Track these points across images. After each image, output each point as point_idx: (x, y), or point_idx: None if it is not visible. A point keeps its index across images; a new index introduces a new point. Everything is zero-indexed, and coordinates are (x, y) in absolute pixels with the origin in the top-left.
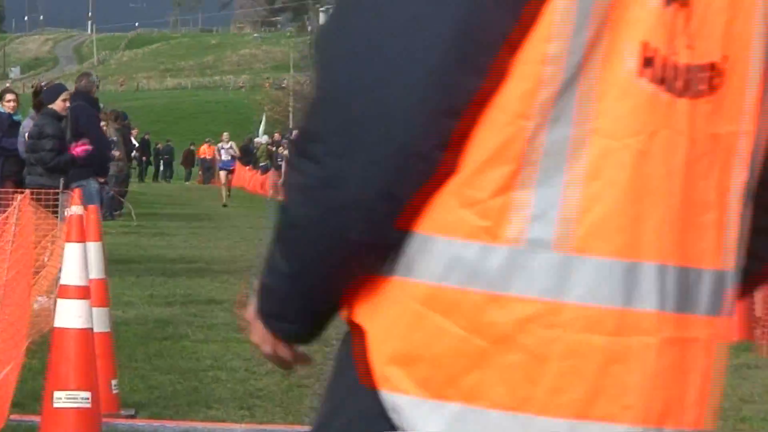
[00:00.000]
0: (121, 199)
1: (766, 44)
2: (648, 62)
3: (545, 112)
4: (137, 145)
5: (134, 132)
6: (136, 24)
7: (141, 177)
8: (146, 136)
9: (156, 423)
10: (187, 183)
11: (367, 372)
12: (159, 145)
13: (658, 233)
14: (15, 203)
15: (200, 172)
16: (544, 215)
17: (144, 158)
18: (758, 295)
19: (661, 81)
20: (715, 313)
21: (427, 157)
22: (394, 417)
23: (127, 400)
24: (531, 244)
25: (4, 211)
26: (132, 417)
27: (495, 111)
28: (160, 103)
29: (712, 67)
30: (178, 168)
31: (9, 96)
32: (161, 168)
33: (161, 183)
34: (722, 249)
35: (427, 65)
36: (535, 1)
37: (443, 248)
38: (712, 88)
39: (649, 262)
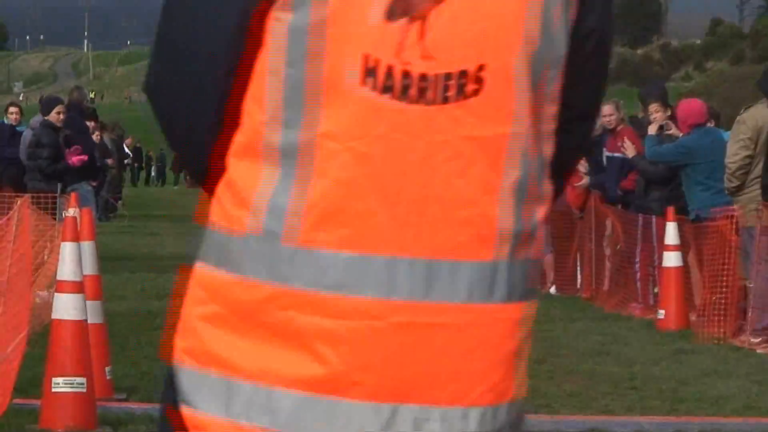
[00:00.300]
0: (115, 203)
1: (531, 52)
2: (370, 72)
3: (276, 117)
4: (130, 153)
5: (128, 141)
6: (128, 42)
7: (134, 181)
8: (138, 144)
9: (147, 405)
10: (175, 187)
11: (168, 344)
12: (150, 152)
13: (389, 228)
14: (15, 206)
15: (187, 177)
16: (278, 209)
17: (136, 164)
18: (697, 287)
19: (387, 89)
20: (481, 301)
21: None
22: (177, 383)
23: (120, 385)
24: (267, 235)
25: (6, 214)
26: (125, 400)
27: (245, 115)
28: (152, 114)
29: (463, 74)
30: (169, 174)
31: (12, 108)
32: (152, 173)
33: (152, 187)
34: (490, 242)
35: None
36: (257, 20)
37: (211, 235)
38: (465, 95)
39: (377, 254)
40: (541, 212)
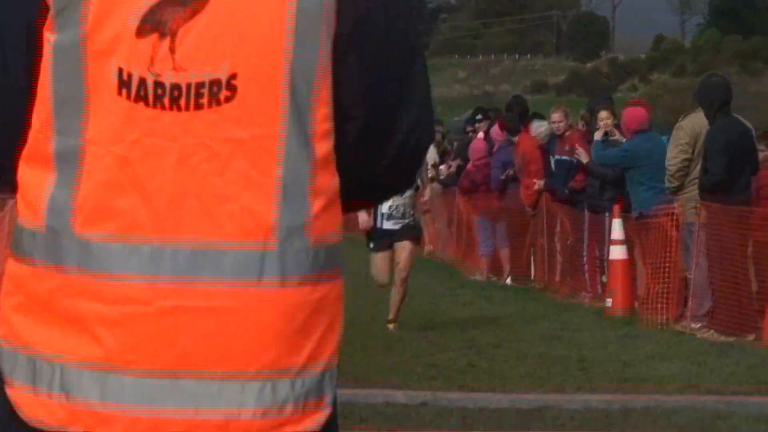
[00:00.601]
0: None
1: (288, 59)
2: (125, 84)
3: (49, 126)
4: None
5: None
6: None
7: None
8: None
9: None
10: None
11: None
12: None
13: (150, 222)
14: (7, 207)
15: None
16: (56, 208)
17: None
18: (641, 278)
19: (141, 98)
20: (250, 286)
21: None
22: (1, 365)
23: None
24: (48, 231)
25: None
26: None
27: (31, 124)
28: None
29: (215, 83)
30: None
31: None
32: None
33: None
34: (256, 232)
35: None
36: (39, 39)
37: (17, 228)
38: (219, 101)
39: (142, 244)
40: (317, 204)
